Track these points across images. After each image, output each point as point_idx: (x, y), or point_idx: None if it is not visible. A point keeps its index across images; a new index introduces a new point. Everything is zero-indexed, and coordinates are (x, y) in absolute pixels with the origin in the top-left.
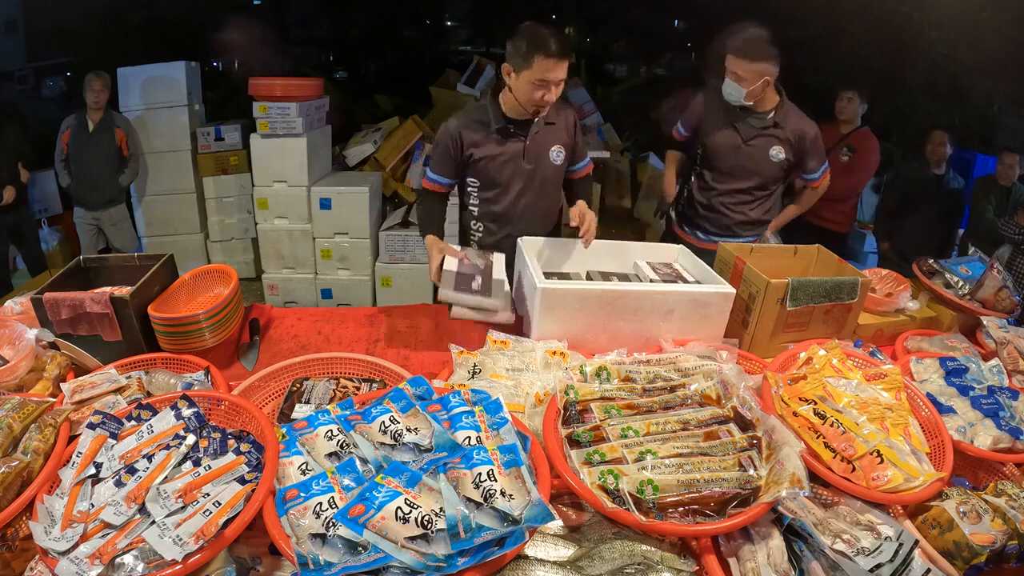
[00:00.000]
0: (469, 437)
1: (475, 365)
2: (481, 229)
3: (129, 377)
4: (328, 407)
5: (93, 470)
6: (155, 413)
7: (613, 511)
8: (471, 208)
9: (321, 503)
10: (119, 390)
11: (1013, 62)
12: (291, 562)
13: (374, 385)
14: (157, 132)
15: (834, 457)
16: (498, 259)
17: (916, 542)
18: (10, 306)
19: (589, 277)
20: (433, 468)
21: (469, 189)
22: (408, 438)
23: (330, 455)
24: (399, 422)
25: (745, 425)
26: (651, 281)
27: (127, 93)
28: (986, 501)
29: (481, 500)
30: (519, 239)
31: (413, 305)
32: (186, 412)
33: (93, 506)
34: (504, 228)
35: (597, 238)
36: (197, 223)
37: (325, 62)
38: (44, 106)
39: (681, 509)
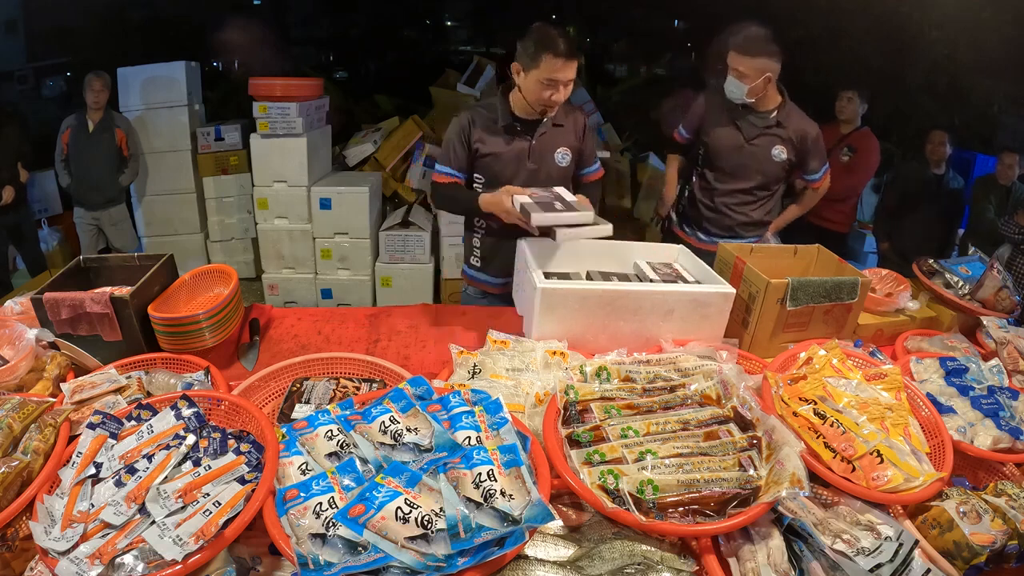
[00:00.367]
0: (469, 437)
1: (475, 365)
2: (484, 226)
3: (129, 377)
4: (328, 407)
5: (93, 470)
6: (155, 413)
7: (613, 511)
8: None
9: (321, 503)
10: (119, 390)
11: (1013, 62)
12: (291, 562)
13: (374, 385)
14: (157, 132)
15: (834, 457)
16: (561, 188)
17: (916, 542)
18: (10, 306)
19: (589, 277)
20: (433, 468)
21: (475, 185)
22: (408, 438)
23: (330, 455)
24: (399, 422)
25: (745, 425)
26: (651, 281)
27: (127, 93)
28: (986, 501)
29: (481, 500)
30: (519, 239)
31: (413, 305)
32: (186, 412)
33: (93, 506)
34: (507, 226)
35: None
36: (197, 223)
37: (325, 62)
38: (44, 106)
39: (681, 509)
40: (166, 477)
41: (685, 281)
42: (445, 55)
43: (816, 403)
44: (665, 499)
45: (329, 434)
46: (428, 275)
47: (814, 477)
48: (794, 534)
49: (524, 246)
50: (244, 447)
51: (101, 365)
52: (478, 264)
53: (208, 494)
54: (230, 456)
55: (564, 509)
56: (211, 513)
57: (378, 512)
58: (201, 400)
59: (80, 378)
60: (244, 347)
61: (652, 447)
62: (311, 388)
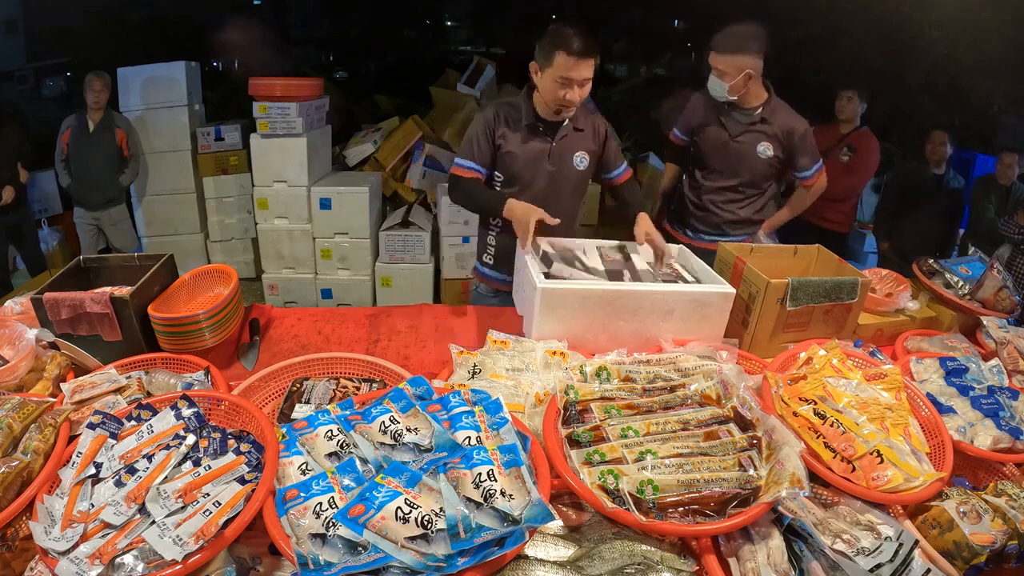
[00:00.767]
0: (469, 437)
1: (475, 365)
2: (499, 224)
3: (129, 377)
4: (328, 407)
5: (93, 470)
6: (155, 413)
7: (613, 511)
8: None
9: (321, 503)
10: (119, 390)
11: (1013, 62)
12: (291, 562)
13: (374, 385)
14: (157, 132)
15: (834, 457)
16: (588, 243)
17: (916, 542)
18: (10, 306)
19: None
20: (433, 468)
21: (494, 183)
22: (408, 438)
23: (330, 455)
24: (399, 422)
25: (745, 425)
26: (651, 280)
27: (127, 93)
28: (986, 501)
29: (481, 500)
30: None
31: (413, 305)
32: (186, 412)
33: (93, 506)
34: None
35: (597, 238)
36: (197, 223)
37: (325, 62)
38: (44, 106)
39: (681, 509)
40: (166, 477)
41: (685, 281)
42: (445, 55)
43: (816, 403)
44: (665, 499)
45: (329, 434)
46: (428, 275)
47: (814, 477)
48: (794, 534)
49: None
50: (244, 447)
51: (101, 365)
52: (491, 262)
53: (208, 494)
54: (230, 456)
55: (564, 509)
56: (211, 513)
57: (378, 512)
58: (201, 400)
59: (80, 378)
60: (244, 347)
61: (652, 447)
62: (311, 388)
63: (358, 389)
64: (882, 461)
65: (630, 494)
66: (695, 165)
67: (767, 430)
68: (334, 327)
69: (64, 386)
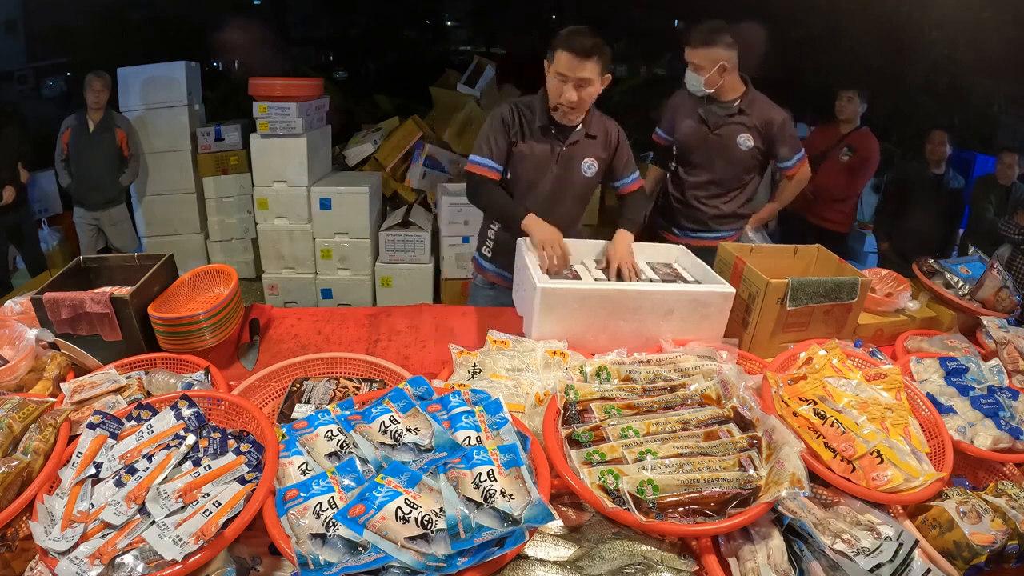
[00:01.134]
0: (469, 437)
1: (475, 365)
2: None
3: (129, 377)
4: (328, 407)
5: (93, 470)
6: (155, 413)
7: (613, 511)
8: None
9: (321, 503)
10: (119, 390)
11: (1013, 62)
12: (291, 562)
13: (374, 385)
14: (157, 132)
15: (834, 457)
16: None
17: (916, 542)
18: (10, 306)
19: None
20: (433, 468)
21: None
22: (408, 438)
23: (330, 455)
24: (399, 422)
25: (745, 425)
26: (651, 281)
27: (127, 93)
28: (986, 501)
29: (481, 500)
30: (519, 239)
31: (413, 305)
32: (186, 412)
33: (93, 506)
34: None
35: (597, 238)
36: (197, 223)
37: (325, 62)
38: (44, 106)
39: (681, 509)
40: (166, 477)
41: (685, 281)
42: (445, 55)
43: (816, 403)
44: (665, 499)
45: (329, 434)
46: (428, 275)
47: (814, 477)
48: (794, 534)
49: (524, 246)
50: (244, 447)
51: (101, 365)
52: (489, 255)
53: (208, 494)
54: (230, 456)
55: (564, 509)
56: (211, 513)
57: (378, 512)
58: (201, 400)
59: (80, 378)
60: (244, 347)
61: (652, 447)
62: (311, 388)
63: (358, 389)
64: (882, 461)
65: (630, 494)
66: (677, 161)
67: (767, 430)
68: (334, 327)
69: (64, 386)
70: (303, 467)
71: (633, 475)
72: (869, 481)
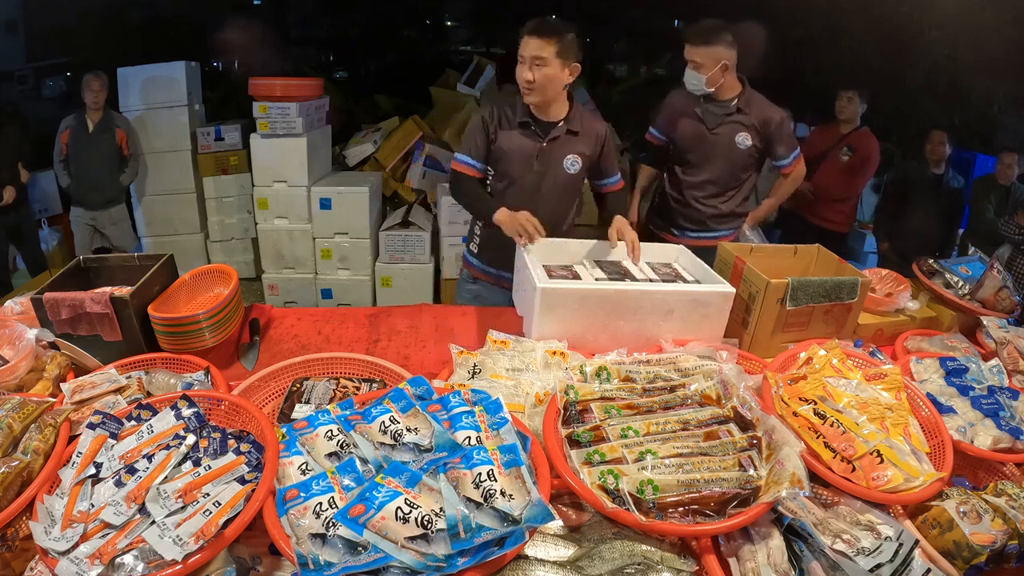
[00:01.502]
0: (469, 437)
1: (475, 365)
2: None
3: (129, 377)
4: (328, 407)
5: (93, 470)
6: (155, 413)
7: (613, 511)
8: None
9: (321, 503)
10: (119, 390)
11: (1013, 62)
12: (291, 562)
13: (374, 385)
14: (157, 132)
15: (834, 457)
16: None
17: (916, 542)
18: (10, 306)
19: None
20: (433, 468)
21: (488, 178)
22: (408, 438)
23: (330, 455)
24: (399, 422)
25: (745, 425)
26: (651, 281)
27: (127, 93)
28: (986, 501)
29: (481, 500)
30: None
31: (413, 305)
32: (186, 412)
33: (93, 506)
34: None
35: (597, 238)
36: (197, 223)
37: (325, 62)
38: (44, 106)
39: (681, 509)
40: (166, 477)
41: (685, 281)
42: (445, 55)
43: (816, 403)
44: (665, 499)
45: (329, 434)
46: (428, 275)
47: (814, 477)
48: (794, 534)
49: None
50: (244, 447)
51: (101, 365)
52: (475, 250)
53: (208, 494)
54: (230, 456)
55: (564, 509)
56: (211, 513)
57: (378, 512)
58: (201, 400)
59: (80, 378)
60: (244, 347)
61: (652, 447)
62: (311, 388)
63: (358, 389)
64: (882, 461)
65: (630, 494)
66: (674, 161)
67: (767, 430)
68: (334, 327)
69: (64, 386)
70: (303, 467)
71: (633, 475)
72: (869, 481)
